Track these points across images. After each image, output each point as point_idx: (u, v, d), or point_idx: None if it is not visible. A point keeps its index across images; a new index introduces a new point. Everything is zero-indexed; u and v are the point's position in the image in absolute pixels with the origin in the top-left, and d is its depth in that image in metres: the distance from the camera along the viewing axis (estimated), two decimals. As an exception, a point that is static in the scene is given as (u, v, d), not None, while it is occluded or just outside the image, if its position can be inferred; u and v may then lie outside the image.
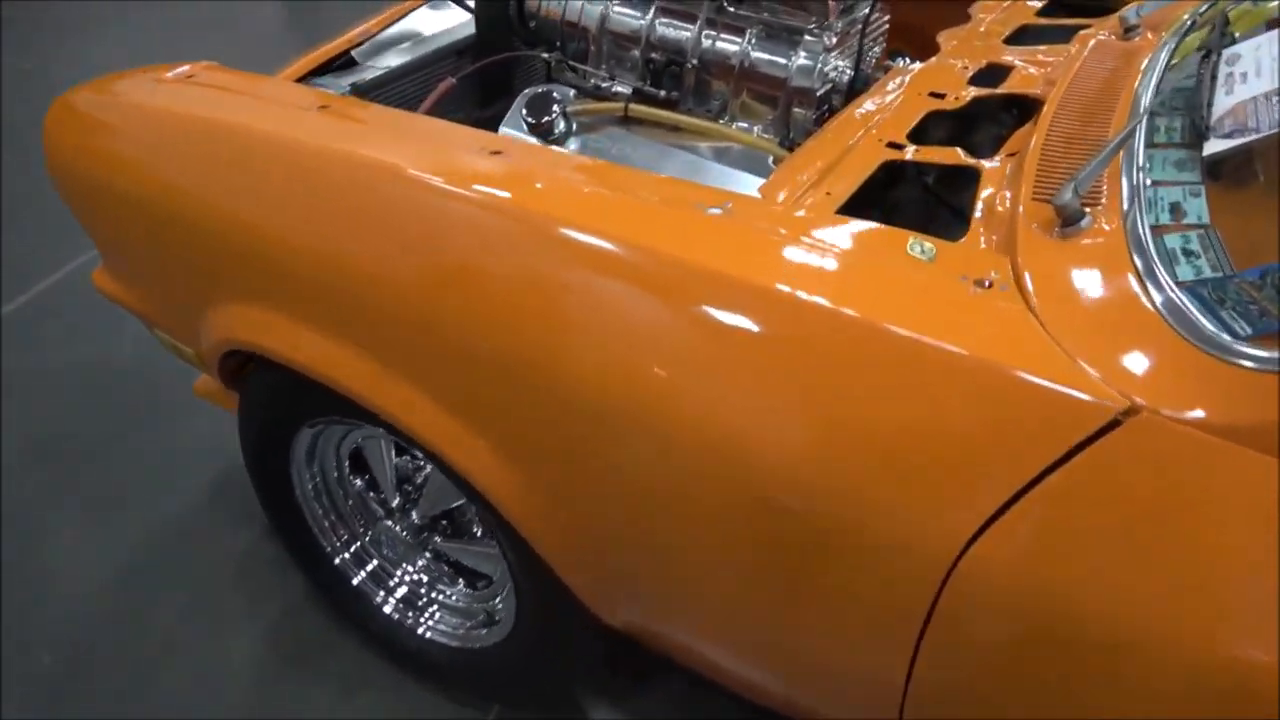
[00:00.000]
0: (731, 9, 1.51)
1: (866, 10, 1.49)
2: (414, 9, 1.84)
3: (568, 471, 1.06)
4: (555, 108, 1.55)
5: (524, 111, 1.55)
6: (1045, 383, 0.77)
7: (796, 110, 1.49)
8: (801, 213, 1.03)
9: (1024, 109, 1.34)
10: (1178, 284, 0.82)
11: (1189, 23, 1.31)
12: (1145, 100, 1.07)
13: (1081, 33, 1.53)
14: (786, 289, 0.88)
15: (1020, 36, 1.58)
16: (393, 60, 1.73)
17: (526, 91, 1.58)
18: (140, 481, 2.02)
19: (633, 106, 1.54)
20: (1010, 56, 1.45)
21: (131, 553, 1.87)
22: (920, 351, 0.81)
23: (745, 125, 1.54)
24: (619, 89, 1.60)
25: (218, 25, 4.34)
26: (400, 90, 1.72)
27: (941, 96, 1.32)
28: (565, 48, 1.69)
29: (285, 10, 4.63)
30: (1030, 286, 0.86)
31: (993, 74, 1.40)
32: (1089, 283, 0.86)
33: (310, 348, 1.19)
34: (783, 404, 0.87)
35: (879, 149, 1.19)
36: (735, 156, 1.50)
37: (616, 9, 1.61)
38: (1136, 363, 0.77)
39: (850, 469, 0.84)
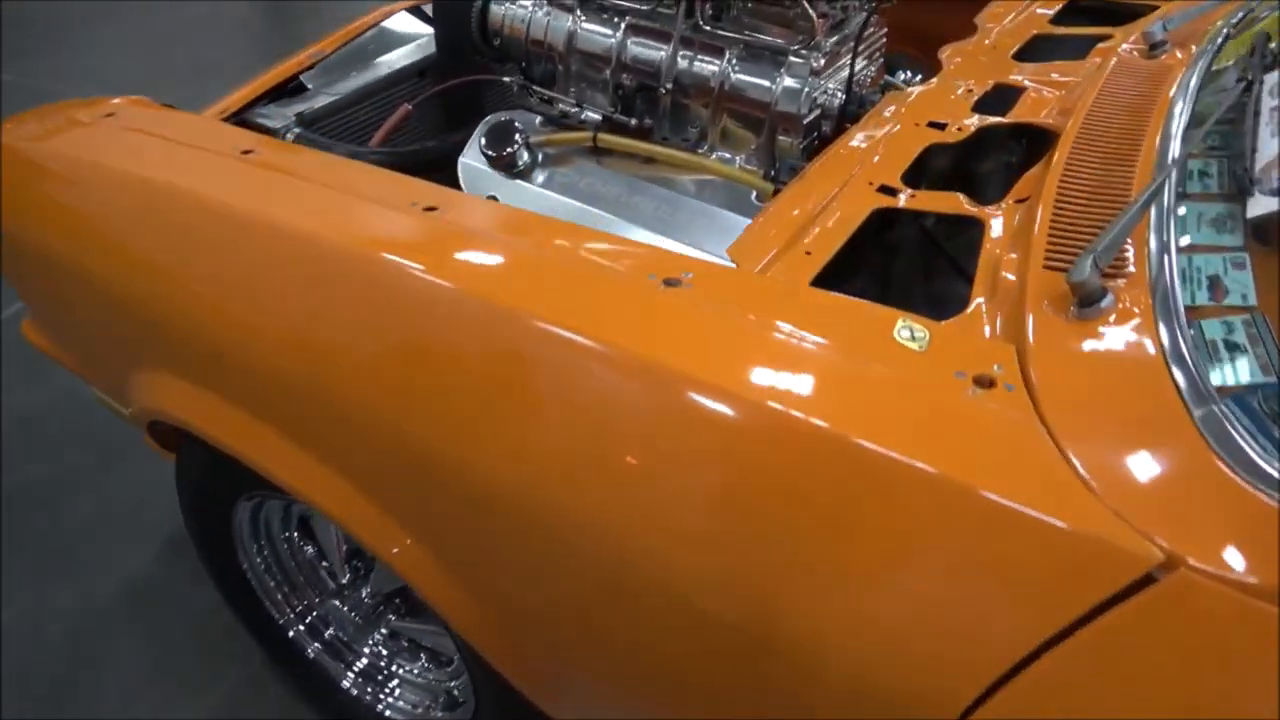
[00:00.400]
0: (708, 27, 1.36)
1: (859, 26, 1.34)
2: (369, 29, 1.70)
3: (504, 578, 0.93)
4: (517, 138, 1.41)
5: (483, 143, 1.41)
6: (1057, 523, 0.63)
7: (782, 138, 1.34)
8: (774, 284, 0.88)
9: (1035, 136, 1.19)
10: (1220, 391, 0.67)
11: (1222, 39, 1.15)
12: (1175, 145, 0.92)
13: (1100, 45, 1.37)
14: (745, 391, 0.74)
15: (1032, 50, 1.43)
16: (346, 84, 1.60)
17: (486, 120, 1.44)
18: (93, 534, 1.91)
19: (602, 136, 1.40)
20: (1020, 76, 1.30)
21: (83, 615, 1.76)
22: (903, 476, 0.67)
23: (726, 156, 1.40)
24: (589, 115, 1.45)
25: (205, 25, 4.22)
26: (353, 118, 1.58)
27: (942, 127, 1.17)
28: (531, 68, 1.55)
29: (266, 11, 4.50)
30: (1039, 388, 0.72)
31: (1000, 98, 1.25)
32: (1111, 386, 0.71)
33: (234, 428, 1.06)
34: (739, 535, 0.73)
35: (868, 194, 1.04)
36: (715, 190, 1.35)
37: (585, 26, 1.47)
38: (1171, 500, 0.63)
39: (817, 613, 0.70)
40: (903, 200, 1.03)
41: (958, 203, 1.01)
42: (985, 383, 0.73)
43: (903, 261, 1.19)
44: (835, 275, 0.93)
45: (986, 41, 1.44)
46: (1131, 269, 0.80)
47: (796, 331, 0.79)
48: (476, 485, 0.85)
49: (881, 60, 1.46)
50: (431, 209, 1.00)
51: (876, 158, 1.12)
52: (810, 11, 1.26)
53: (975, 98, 1.24)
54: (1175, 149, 0.92)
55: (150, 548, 1.88)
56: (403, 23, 1.73)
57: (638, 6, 1.40)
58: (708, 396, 0.74)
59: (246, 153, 1.13)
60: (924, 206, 1.02)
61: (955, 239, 1.13)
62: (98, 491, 2.00)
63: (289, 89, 1.57)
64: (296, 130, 1.46)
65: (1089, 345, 0.75)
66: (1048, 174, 0.97)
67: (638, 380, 0.78)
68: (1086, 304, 0.77)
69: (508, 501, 0.84)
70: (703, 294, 0.85)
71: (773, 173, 1.36)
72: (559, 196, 1.39)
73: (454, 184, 1.44)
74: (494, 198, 1.42)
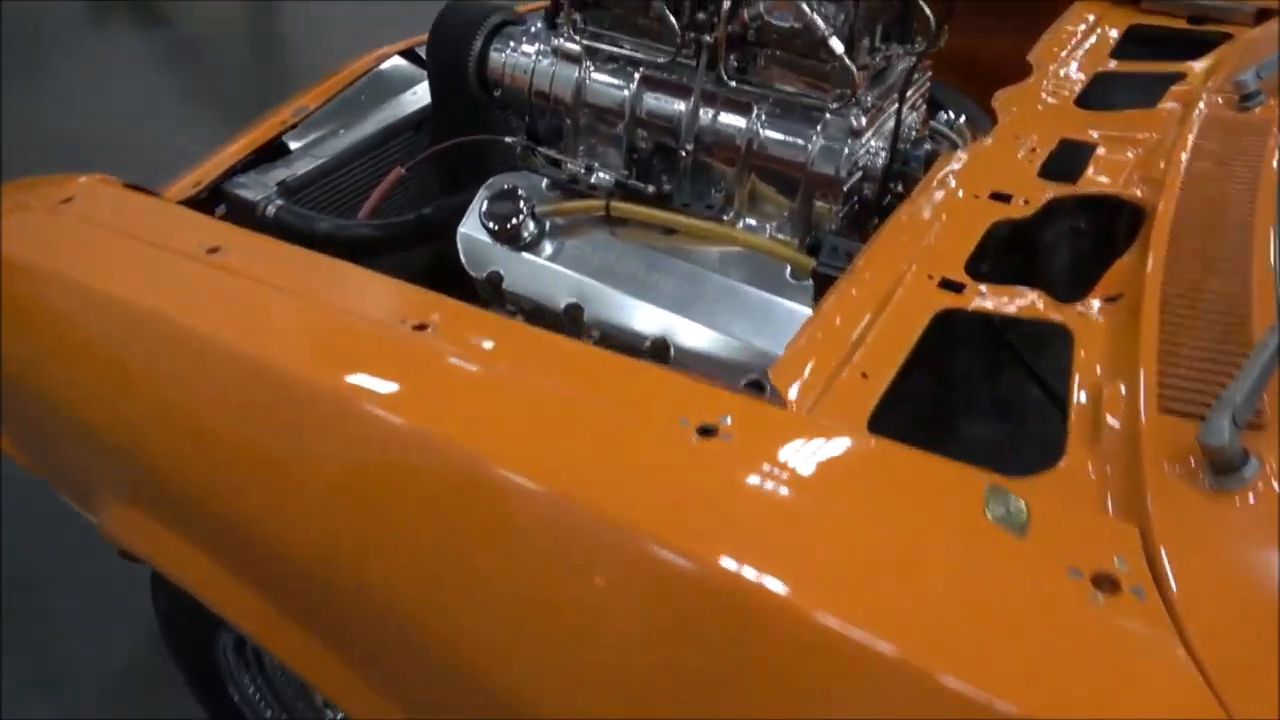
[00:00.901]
0: (733, 81, 1.21)
1: (904, 76, 1.19)
2: (359, 77, 1.56)
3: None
4: (521, 206, 1.27)
5: (484, 210, 1.27)
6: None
7: (819, 204, 1.19)
8: (830, 432, 0.74)
9: (1113, 207, 1.04)
10: None
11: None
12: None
13: (1175, 88, 1.22)
14: (804, 603, 0.59)
15: (1096, 92, 1.27)
16: (334, 143, 1.46)
17: (488, 184, 1.30)
18: (71, 633, 1.77)
19: (615, 204, 1.25)
20: (1089, 129, 1.14)
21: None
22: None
23: (754, 224, 1.25)
24: (600, 176, 1.31)
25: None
26: (342, 182, 1.44)
27: (1006, 199, 1.02)
28: (536, 123, 1.41)
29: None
30: (1176, 593, 0.57)
31: (1068, 158, 1.09)
32: (1267, 589, 0.56)
33: (197, 573, 0.93)
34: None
35: (929, 292, 0.90)
36: (743, 264, 1.21)
37: (595, 76, 1.32)
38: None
39: None
40: (971, 301, 0.88)
41: (1037, 306, 0.86)
42: (1107, 585, 0.58)
43: (964, 355, 1.05)
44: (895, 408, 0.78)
45: (1044, 86, 1.29)
46: (1267, 415, 0.65)
47: (866, 511, 0.65)
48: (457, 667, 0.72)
49: (926, 100, 1.31)
50: (421, 327, 0.86)
51: (933, 239, 0.97)
52: (850, 65, 1.11)
53: (1042, 159, 1.09)
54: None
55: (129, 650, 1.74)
56: (397, 68, 1.59)
57: (653, 58, 1.25)
58: (779, 621, 0.59)
59: (213, 251, 1.00)
60: (996, 308, 0.88)
61: (1028, 335, 0.99)
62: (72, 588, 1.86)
63: (271, 149, 1.43)
64: (278, 203, 1.33)
65: (1232, 527, 0.60)
66: (1145, 272, 0.82)
67: (692, 596, 0.63)
68: (1224, 471, 0.62)
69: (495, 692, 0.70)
70: (746, 448, 0.70)
71: (807, 242, 1.21)
72: (569, 272, 1.25)
73: (454, 255, 1.31)
74: (498, 273, 1.28)
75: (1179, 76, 1.25)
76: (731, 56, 1.18)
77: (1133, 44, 1.47)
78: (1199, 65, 1.28)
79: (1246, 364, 0.65)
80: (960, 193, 1.05)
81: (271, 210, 1.31)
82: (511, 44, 1.42)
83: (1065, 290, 0.88)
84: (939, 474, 0.68)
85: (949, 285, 0.90)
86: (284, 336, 0.87)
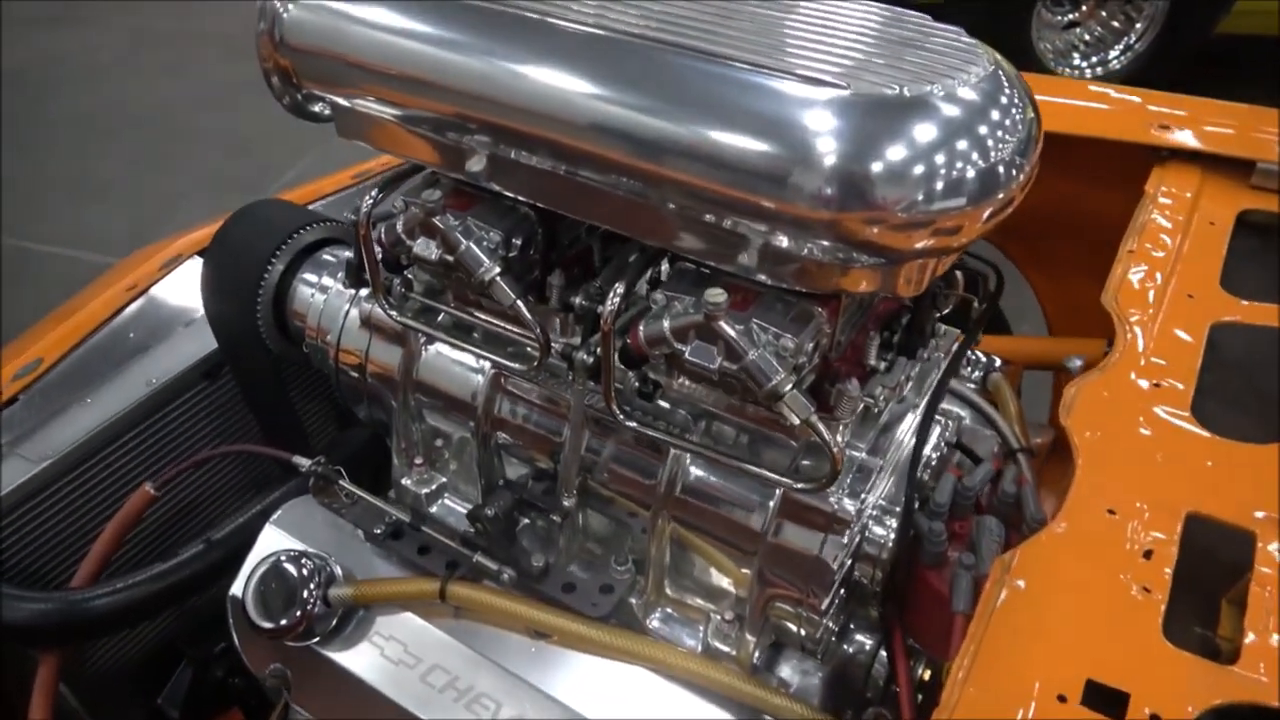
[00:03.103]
0: (632, 412, 0.73)
1: (918, 424, 0.72)
2: (125, 305, 1.08)
3: None
4: (310, 591, 0.79)
5: (252, 603, 0.80)
6: None
7: (780, 598, 0.72)
8: None
9: None
10: None
11: None
12: None
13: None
14: None
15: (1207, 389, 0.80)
16: (74, 422, 0.98)
17: (258, 568, 0.82)
18: None
19: (455, 589, 0.78)
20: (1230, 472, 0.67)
21: None
22: None
23: (673, 618, 0.78)
24: (435, 535, 0.83)
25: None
26: (86, 489, 0.96)
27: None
28: (350, 400, 0.94)
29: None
30: None
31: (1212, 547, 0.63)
32: None
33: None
34: None
35: None
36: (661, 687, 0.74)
37: (436, 352, 0.85)
38: None
39: None
40: None
41: None
42: None
43: None
44: None
45: (1132, 373, 0.81)
46: None
47: None
48: None
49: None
50: None
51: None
52: (825, 437, 0.63)
53: (1171, 558, 0.62)
54: None
55: None
56: (187, 285, 1.11)
57: (506, 362, 0.78)
58: None
59: None
60: None
61: None
62: None
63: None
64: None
65: None
66: None
67: None
68: None
69: None
70: None
71: (760, 661, 0.74)
72: (386, 692, 0.78)
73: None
74: (282, 673, 0.82)
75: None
76: (630, 376, 0.71)
77: (1248, 236, 1.00)
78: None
79: None
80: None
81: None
82: (325, 278, 0.95)
83: None
84: None
85: None
86: None
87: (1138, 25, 3.14)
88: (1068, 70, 3.23)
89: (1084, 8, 3.22)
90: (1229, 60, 3.24)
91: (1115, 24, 3.19)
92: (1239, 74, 3.18)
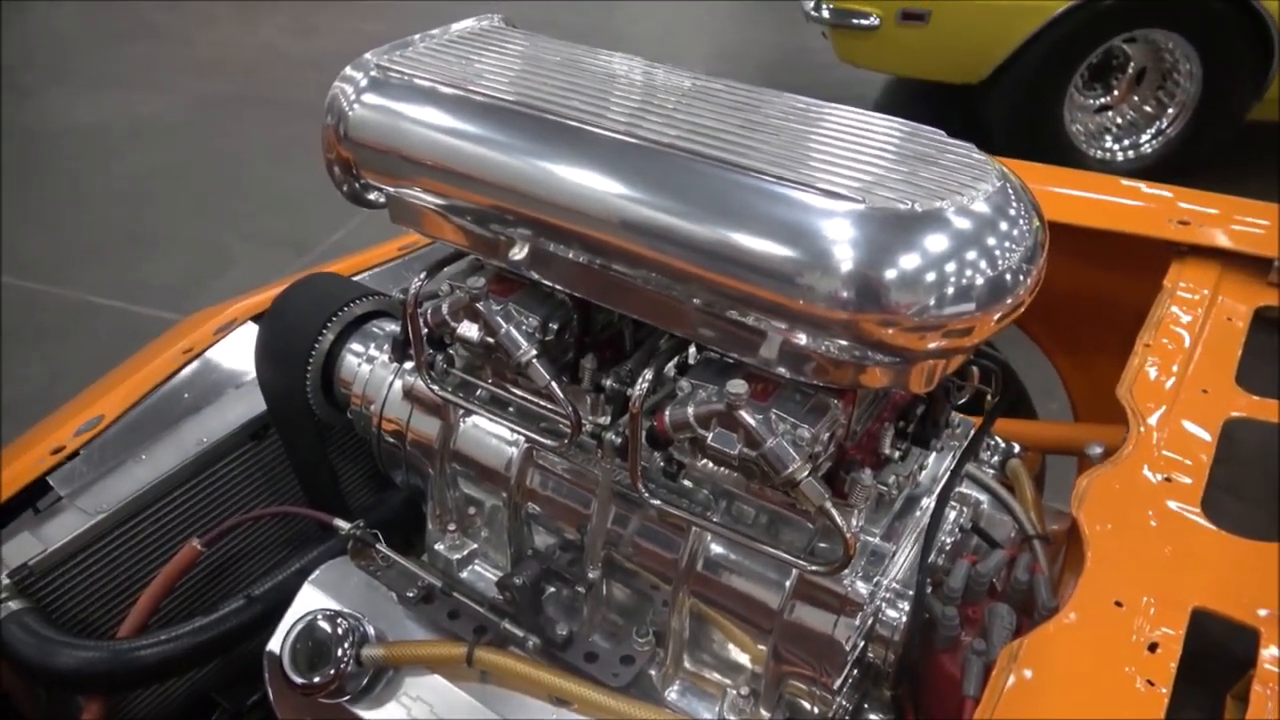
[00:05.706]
0: (657, 490, 0.77)
1: (938, 499, 0.75)
2: (181, 367, 1.14)
3: None
4: (344, 650, 0.83)
5: (288, 660, 0.84)
6: None
7: (794, 680, 0.75)
8: None
9: None
10: None
11: None
12: None
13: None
14: None
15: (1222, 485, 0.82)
16: (127, 478, 1.03)
17: (295, 625, 0.86)
18: None
19: (482, 654, 0.81)
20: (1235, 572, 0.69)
21: None
22: None
23: (693, 697, 0.80)
24: (467, 601, 0.87)
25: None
26: (130, 544, 1.01)
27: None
28: (389, 466, 0.98)
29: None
30: None
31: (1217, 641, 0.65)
32: None
33: None
34: None
35: None
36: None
37: (473, 424, 0.90)
38: None
39: None
40: None
41: None
42: None
43: None
44: None
45: (1144, 467, 0.83)
46: None
47: None
48: None
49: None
50: None
51: None
52: (839, 523, 0.66)
53: (1174, 654, 0.64)
54: None
55: None
56: (239, 349, 1.17)
57: (538, 438, 0.82)
58: None
59: None
60: None
61: None
62: None
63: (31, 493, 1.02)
64: (12, 606, 0.91)
65: None
66: None
67: None
68: None
69: None
70: None
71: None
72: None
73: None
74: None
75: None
76: (656, 455, 0.75)
77: (1265, 332, 1.03)
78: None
79: None
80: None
81: (-7, 627, 0.89)
82: (371, 348, 1.01)
83: None
84: None
85: None
86: None
87: (1170, 110, 3.18)
88: (1099, 153, 3.27)
89: (1116, 92, 3.27)
90: (1267, 147, 3.27)
91: (1148, 109, 3.23)
92: (1274, 162, 3.20)
